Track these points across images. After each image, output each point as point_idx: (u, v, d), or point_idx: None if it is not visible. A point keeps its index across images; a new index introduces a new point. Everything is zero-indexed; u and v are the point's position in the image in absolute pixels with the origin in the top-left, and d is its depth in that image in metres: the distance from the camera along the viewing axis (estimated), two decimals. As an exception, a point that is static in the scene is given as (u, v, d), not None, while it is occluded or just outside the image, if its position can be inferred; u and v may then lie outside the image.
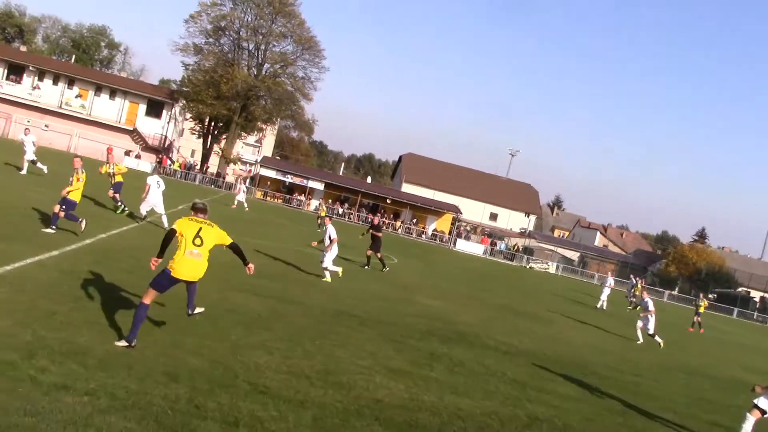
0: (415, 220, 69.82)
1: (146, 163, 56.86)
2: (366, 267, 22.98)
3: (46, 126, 65.14)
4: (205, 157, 74.46)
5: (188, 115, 75.14)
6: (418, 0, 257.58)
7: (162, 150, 66.83)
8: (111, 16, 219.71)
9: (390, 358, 10.29)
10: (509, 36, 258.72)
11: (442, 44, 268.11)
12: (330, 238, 17.77)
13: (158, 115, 68.00)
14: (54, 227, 14.56)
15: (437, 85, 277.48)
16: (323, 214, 43.22)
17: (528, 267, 65.14)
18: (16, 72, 67.00)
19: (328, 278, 17.59)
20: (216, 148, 75.73)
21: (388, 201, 68.62)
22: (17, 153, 36.64)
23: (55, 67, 70.99)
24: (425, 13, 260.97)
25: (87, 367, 6.69)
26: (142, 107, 67.82)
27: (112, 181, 21.46)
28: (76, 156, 17.95)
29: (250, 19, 70.04)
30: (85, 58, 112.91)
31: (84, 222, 15.08)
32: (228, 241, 8.34)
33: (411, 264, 31.19)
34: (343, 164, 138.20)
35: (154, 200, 20.23)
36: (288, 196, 66.43)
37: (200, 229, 8.05)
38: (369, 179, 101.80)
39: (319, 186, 68.32)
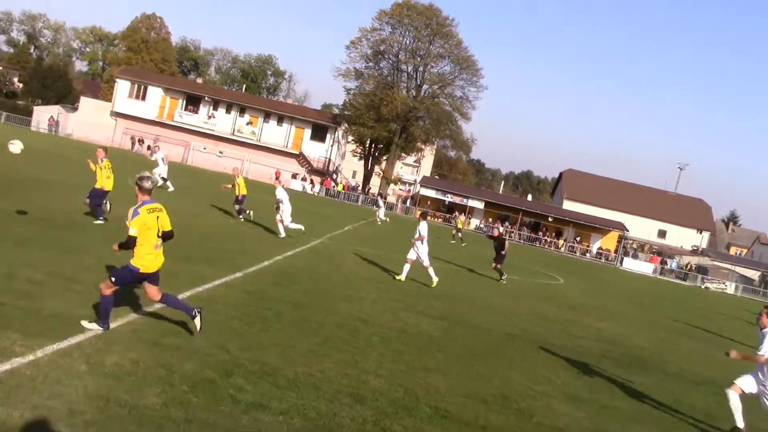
0: (578, 239, 67.96)
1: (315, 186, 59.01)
2: (502, 280, 22.43)
3: (220, 152, 69.48)
4: (367, 178, 76.48)
5: (350, 138, 77.55)
6: (569, 18, 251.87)
7: (326, 172, 69.26)
8: (276, 45, 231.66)
9: (567, 384, 10.03)
10: (677, 45, 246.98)
11: (597, 56, 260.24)
12: (420, 233, 17.25)
13: (322, 139, 70.58)
14: (102, 219, 15.68)
15: (596, 98, 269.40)
16: (460, 225, 43.30)
17: (703, 287, 61.50)
18: (193, 102, 72.00)
19: (434, 279, 17.31)
20: (377, 169, 77.55)
21: (550, 219, 67.30)
22: (197, 177, 39.24)
23: (228, 97, 75.65)
24: (579, 30, 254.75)
25: (278, 387, 7.00)
26: (307, 132, 70.66)
27: (237, 194, 23.24)
28: (100, 147, 18.81)
29: (408, 42, 71.45)
30: (254, 86, 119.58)
31: (109, 204, 16.42)
32: (169, 227, 8.14)
33: (576, 283, 30.32)
34: (502, 182, 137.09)
35: (287, 212, 20.93)
36: (448, 215, 66.70)
37: (158, 217, 7.92)
38: (529, 197, 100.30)
39: (479, 205, 68.18)
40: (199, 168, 62.54)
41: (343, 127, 73.45)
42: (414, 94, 71.80)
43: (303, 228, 21.52)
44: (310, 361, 8.20)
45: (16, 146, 14.32)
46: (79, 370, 6.26)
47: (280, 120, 71.29)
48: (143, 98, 71.15)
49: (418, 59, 71.39)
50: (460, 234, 41.05)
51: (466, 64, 70.98)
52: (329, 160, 70.81)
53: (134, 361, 6.81)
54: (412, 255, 17.28)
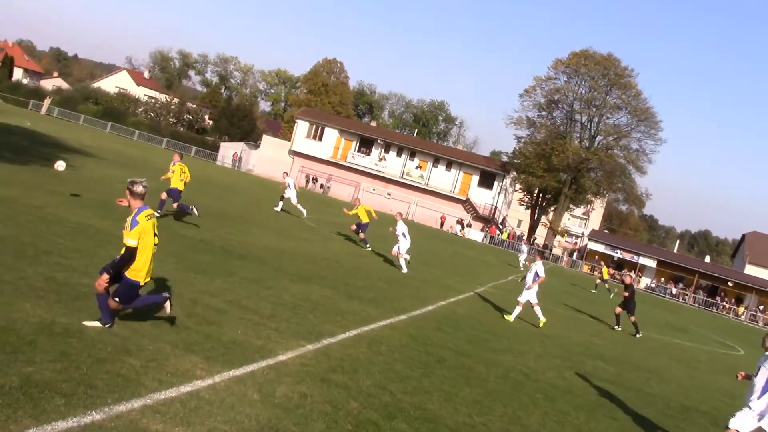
0: (761, 307, 62.89)
1: (476, 232, 58.85)
2: (616, 327, 21.12)
3: (388, 194, 71.01)
4: (533, 228, 75.22)
5: (518, 186, 76.78)
6: (755, 72, 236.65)
7: (491, 220, 68.88)
8: (449, 91, 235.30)
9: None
10: None
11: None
12: (538, 275, 16.66)
13: (489, 186, 70.36)
14: (159, 211, 16.52)
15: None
16: (606, 275, 40.96)
17: None
18: (366, 144, 74.30)
19: (542, 318, 16.75)
20: (543, 219, 76.13)
21: (730, 284, 62.88)
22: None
23: (399, 140, 77.43)
24: (763, 83, 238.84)
25: (440, 435, 6.90)
26: (475, 178, 70.74)
27: (359, 221, 24.29)
28: (176, 152, 19.79)
29: (584, 91, 70.14)
30: (425, 131, 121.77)
31: (195, 209, 17.15)
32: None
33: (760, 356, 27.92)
34: (677, 241, 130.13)
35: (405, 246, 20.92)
36: (616, 272, 64.06)
37: (154, 224, 7.58)
38: (707, 258, 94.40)
39: (651, 263, 65.03)
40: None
41: (512, 175, 72.90)
42: (587, 144, 70.13)
43: (407, 258, 21.24)
44: (472, 412, 8.04)
45: (61, 166, 16.28)
46: (252, 398, 6.48)
47: (449, 165, 71.90)
48: (320, 138, 74.35)
49: (594, 109, 69.80)
50: (606, 285, 39.40)
51: (645, 116, 68.48)
52: (495, 207, 70.42)
53: (302, 395, 6.96)
54: (522, 298, 16.75)
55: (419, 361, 9.87)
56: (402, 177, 71.69)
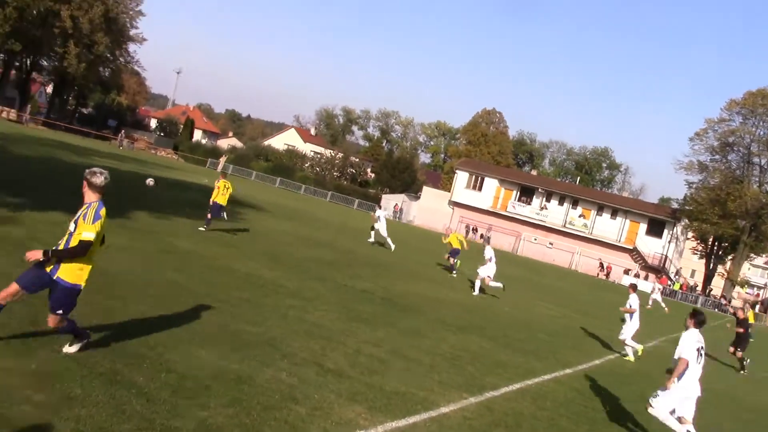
0: None
1: (645, 282, 56.08)
2: (742, 372, 19.72)
3: (550, 243, 69.48)
4: (708, 279, 70.68)
5: (690, 234, 72.71)
6: None
7: (661, 269, 65.46)
8: (612, 137, 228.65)
9: None
10: None
11: None
12: (630, 306, 16.23)
13: (659, 234, 67.09)
14: (205, 227, 17.96)
15: None
16: (752, 320, 37.29)
17: None
18: (526, 193, 73.41)
19: (630, 356, 15.81)
20: (720, 269, 71.40)
21: None
22: (526, 267, 39.53)
23: (561, 189, 75.94)
24: None
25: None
26: (642, 226, 67.78)
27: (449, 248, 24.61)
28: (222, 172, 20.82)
29: (762, 132, 65.78)
30: (587, 178, 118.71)
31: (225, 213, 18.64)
32: None
33: None
34: None
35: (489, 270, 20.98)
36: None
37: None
38: None
39: None
40: (529, 258, 63.05)
41: (683, 223, 69.15)
42: (767, 189, 65.46)
43: (502, 286, 21.13)
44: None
45: (151, 181, 17.51)
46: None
47: (614, 213, 69.43)
48: (479, 189, 74.35)
49: (772, 151, 65.24)
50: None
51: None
52: (665, 256, 66.91)
53: (464, 449, 6.82)
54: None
55: (586, 417, 9.44)
56: (564, 226, 70.00)
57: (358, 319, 11.93)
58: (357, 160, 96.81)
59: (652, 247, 66.23)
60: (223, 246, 16.32)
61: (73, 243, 6.17)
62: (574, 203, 71.22)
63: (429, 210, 75.39)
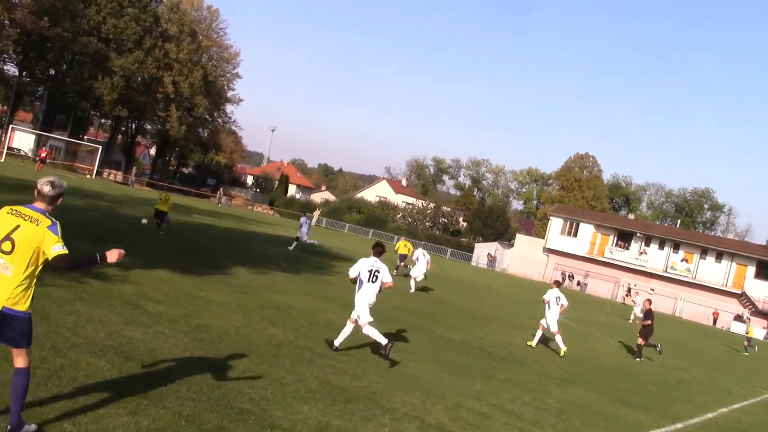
0: None
1: (760, 329, 53.20)
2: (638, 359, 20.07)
3: (651, 290, 66.92)
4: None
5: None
6: None
7: (774, 314, 62.06)
8: (713, 178, 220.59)
9: None
10: None
11: None
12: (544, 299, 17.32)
13: (769, 277, 63.86)
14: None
15: None
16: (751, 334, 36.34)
17: None
18: (624, 238, 71.46)
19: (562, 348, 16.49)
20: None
21: None
22: (627, 314, 38.24)
23: (661, 232, 73.55)
24: None
25: None
26: (751, 269, 64.67)
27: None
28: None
29: None
30: (688, 221, 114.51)
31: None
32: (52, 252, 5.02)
33: None
34: None
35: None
36: None
37: (17, 226, 5.00)
38: None
39: None
40: (628, 305, 60.93)
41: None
42: None
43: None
44: None
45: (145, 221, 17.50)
46: None
47: (719, 256, 66.62)
48: (575, 235, 72.89)
49: None
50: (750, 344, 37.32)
51: None
52: (777, 300, 63.43)
53: None
54: (543, 321, 17.28)
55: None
56: (665, 271, 67.59)
57: (457, 371, 11.77)
58: (449, 209, 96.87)
59: (762, 291, 62.94)
60: (321, 299, 16.50)
61: (58, 259, 5.02)
62: (676, 247, 68.78)
63: (523, 258, 74.35)
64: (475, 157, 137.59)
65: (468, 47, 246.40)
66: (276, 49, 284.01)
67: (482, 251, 76.98)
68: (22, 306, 4.95)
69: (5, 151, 56.42)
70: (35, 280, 5.09)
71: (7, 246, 4.90)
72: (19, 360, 5.03)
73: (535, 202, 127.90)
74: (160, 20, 72.86)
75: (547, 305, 17.29)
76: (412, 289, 24.00)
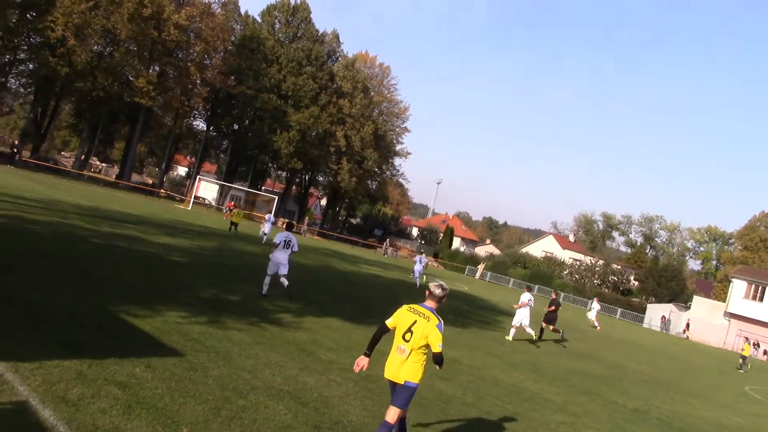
0: None
1: None
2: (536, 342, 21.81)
3: None
4: None
5: None
6: None
7: None
8: None
9: None
10: None
11: None
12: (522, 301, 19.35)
13: None
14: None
15: None
16: (746, 353, 30.90)
17: None
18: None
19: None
20: None
21: None
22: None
23: None
24: None
25: None
26: None
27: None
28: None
29: None
30: None
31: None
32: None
33: None
34: None
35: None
36: None
37: (414, 321, 6.66)
38: None
39: None
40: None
41: None
42: None
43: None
44: None
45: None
46: None
47: None
48: (761, 299, 67.38)
49: None
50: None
51: None
52: None
53: None
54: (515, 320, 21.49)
55: None
56: None
57: None
58: (619, 267, 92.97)
59: None
60: (487, 355, 16.24)
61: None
62: None
63: (700, 322, 69.65)
64: (647, 213, 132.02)
65: (634, 98, 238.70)
66: (444, 103, 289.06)
67: (655, 313, 72.97)
68: (415, 379, 6.62)
69: (192, 199, 60.75)
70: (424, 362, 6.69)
71: (408, 335, 6.60)
72: (389, 416, 6.56)
73: (714, 262, 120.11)
74: (335, 77, 76.39)
75: (525, 307, 21.53)
76: (510, 337, 21.22)
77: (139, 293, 12.11)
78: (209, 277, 17.10)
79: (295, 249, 16.30)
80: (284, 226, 16.85)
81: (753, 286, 68.36)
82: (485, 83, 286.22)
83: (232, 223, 38.35)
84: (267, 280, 15.84)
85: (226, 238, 33.13)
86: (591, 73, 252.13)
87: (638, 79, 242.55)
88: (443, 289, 6.82)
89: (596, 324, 36.39)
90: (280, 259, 15.81)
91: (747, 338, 57.72)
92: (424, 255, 37.81)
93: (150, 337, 9.09)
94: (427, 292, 6.84)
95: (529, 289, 23.85)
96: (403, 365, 6.61)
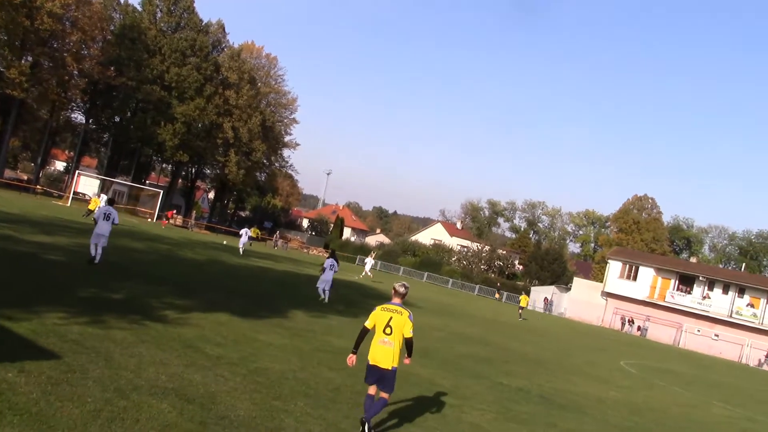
0: None
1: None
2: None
3: (715, 336, 64.96)
4: None
5: None
6: None
7: None
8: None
9: None
10: None
11: None
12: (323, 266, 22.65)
13: (841, 323, 61.24)
14: None
15: None
16: (524, 304, 36.28)
17: None
18: (686, 282, 69.53)
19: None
20: None
21: None
22: (691, 361, 37.07)
23: (725, 276, 71.43)
24: None
25: None
26: (821, 314, 62.19)
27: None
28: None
29: None
30: (754, 264, 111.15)
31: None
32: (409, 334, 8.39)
33: None
34: None
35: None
36: None
37: (391, 317, 8.32)
38: None
39: None
40: (692, 351, 59.14)
41: None
42: None
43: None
44: None
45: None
46: None
47: (788, 301, 64.28)
48: (634, 278, 71.30)
49: None
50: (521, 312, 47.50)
51: None
52: None
53: None
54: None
55: None
56: (730, 316, 65.37)
57: (516, 419, 11.56)
58: (504, 252, 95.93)
59: (835, 336, 60.35)
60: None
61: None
62: (741, 291, 66.58)
63: (580, 302, 73.01)
64: (530, 199, 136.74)
65: (522, 91, 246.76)
66: (331, 93, 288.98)
67: (539, 295, 75.87)
68: (396, 364, 8.24)
69: (71, 195, 58.21)
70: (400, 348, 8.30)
71: (388, 330, 8.24)
72: (382, 395, 8.33)
73: (592, 244, 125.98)
74: (220, 68, 74.83)
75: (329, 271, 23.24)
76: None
77: (13, 295, 11.55)
78: (90, 275, 16.47)
79: (116, 222, 18.64)
80: (106, 202, 20.08)
81: (627, 266, 72.22)
82: (370, 73, 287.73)
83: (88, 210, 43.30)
84: (92, 248, 18.11)
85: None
86: (472, 59, 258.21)
87: (524, 67, 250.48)
88: (405, 287, 8.59)
89: (369, 274, 49.65)
90: (103, 230, 18.16)
91: (523, 291, 64.89)
92: (248, 228, 48.37)
93: (24, 341, 8.70)
94: (392, 291, 8.56)
95: (332, 256, 24.43)
96: (389, 354, 8.18)
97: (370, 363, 8.32)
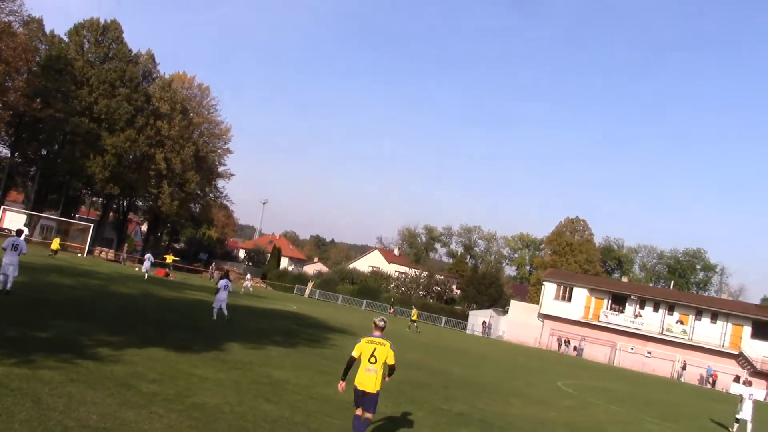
0: None
1: (760, 390, 52.66)
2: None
3: (648, 353, 66.62)
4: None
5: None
6: None
7: (773, 374, 61.51)
8: (705, 238, 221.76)
9: None
10: None
11: None
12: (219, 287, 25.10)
13: (766, 337, 63.50)
14: None
15: None
16: (414, 317, 36.16)
17: None
18: (618, 301, 71.26)
19: None
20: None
21: None
22: (626, 379, 37.85)
23: (655, 294, 73.49)
24: None
25: None
26: (747, 329, 64.33)
27: None
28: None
29: None
30: (682, 282, 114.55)
31: None
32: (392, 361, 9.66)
33: None
34: None
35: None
36: None
37: (375, 348, 9.47)
38: None
39: None
40: (626, 369, 60.45)
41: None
42: None
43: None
44: None
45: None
46: None
47: (714, 317, 66.39)
48: (569, 299, 72.69)
49: None
50: (415, 324, 51.14)
51: None
52: (776, 360, 62.92)
53: None
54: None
55: None
56: (662, 333, 67.26)
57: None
58: (442, 277, 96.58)
59: (759, 350, 62.52)
60: (317, 373, 16.30)
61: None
62: (670, 309, 68.61)
63: (518, 324, 73.97)
64: (466, 224, 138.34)
65: (456, 113, 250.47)
66: (264, 123, 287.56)
67: (477, 319, 76.50)
68: (379, 387, 9.48)
69: (-4, 232, 56.31)
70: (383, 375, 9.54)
71: (372, 359, 9.40)
72: (367, 416, 9.48)
73: (528, 267, 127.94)
74: (151, 99, 73.86)
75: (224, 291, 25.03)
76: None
77: (-68, 337, 11.07)
78: (17, 313, 15.91)
79: (24, 252, 19.51)
80: (14, 233, 21.90)
81: (561, 287, 73.62)
82: (302, 101, 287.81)
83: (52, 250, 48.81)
84: (1, 277, 18.53)
85: (37, 271, 30.95)
86: (404, 85, 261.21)
87: (448, 90, 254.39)
88: (384, 321, 9.82)
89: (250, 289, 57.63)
90: (11, 260, 18.70)
91: (414, 305, 64.91)
92: (150, 254, 51.99)
93: (-55, 385, 8.34)
94: (373, 325, 9.73)
95: (225, 276, 26.47)
96: (373, 380, 9.35)
97: (358, 388, 9.39)
